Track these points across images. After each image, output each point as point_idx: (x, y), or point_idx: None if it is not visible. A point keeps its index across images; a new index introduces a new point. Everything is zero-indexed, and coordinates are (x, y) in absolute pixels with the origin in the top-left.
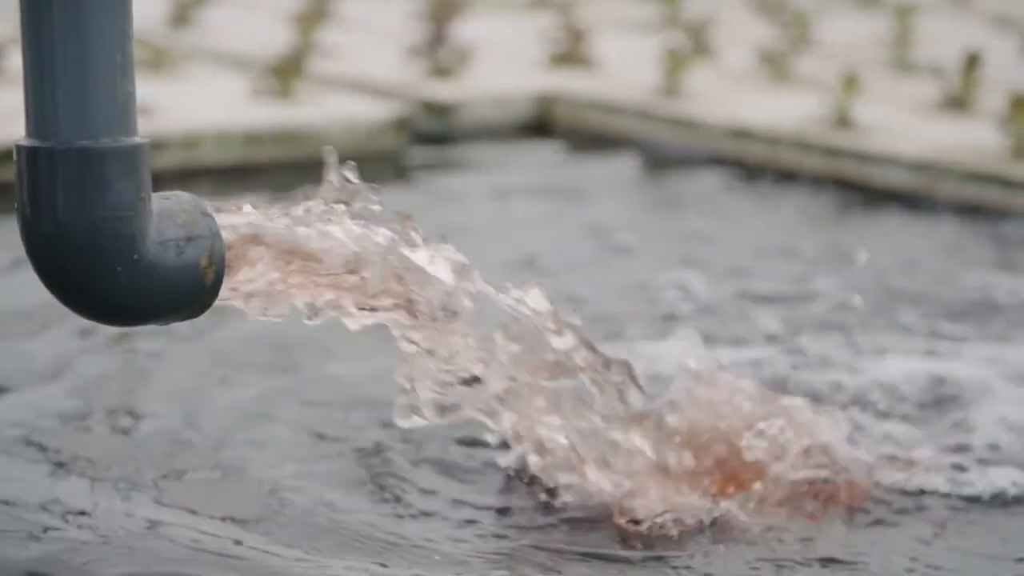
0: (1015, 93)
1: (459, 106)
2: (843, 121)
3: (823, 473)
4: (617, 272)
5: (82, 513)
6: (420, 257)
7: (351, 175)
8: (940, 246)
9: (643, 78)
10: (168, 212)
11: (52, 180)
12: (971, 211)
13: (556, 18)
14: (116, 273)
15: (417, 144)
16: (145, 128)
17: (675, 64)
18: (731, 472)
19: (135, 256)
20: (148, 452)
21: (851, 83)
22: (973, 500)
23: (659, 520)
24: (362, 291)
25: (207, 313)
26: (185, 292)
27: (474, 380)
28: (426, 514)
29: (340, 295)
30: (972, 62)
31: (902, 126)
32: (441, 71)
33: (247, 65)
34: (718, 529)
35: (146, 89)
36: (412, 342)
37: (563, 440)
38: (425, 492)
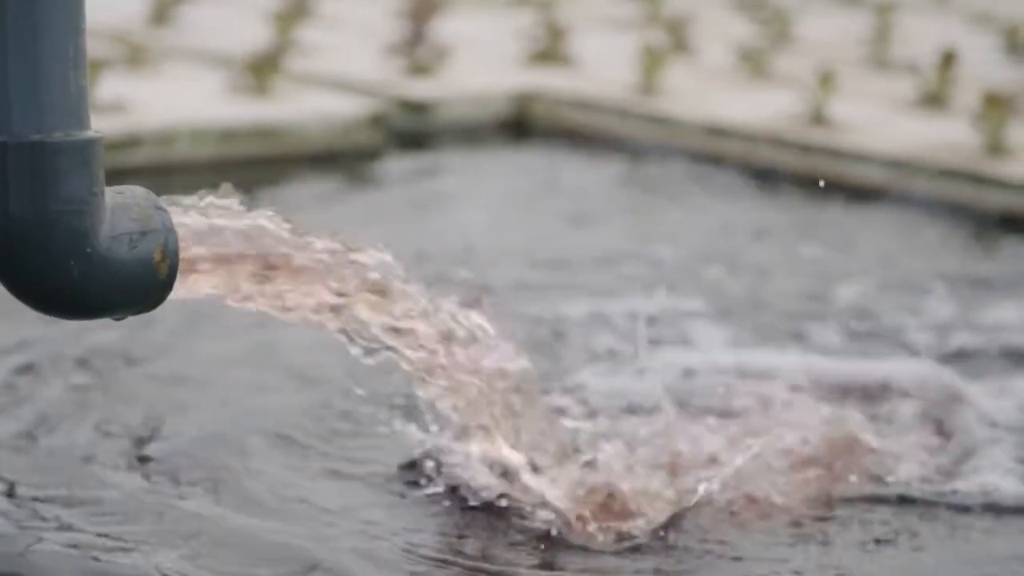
0: (989, 91)
1: (437, 104)
2: (819, 118)
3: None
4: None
5: None
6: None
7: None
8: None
9: (622, 76)
10: (122, 206)
11: (4, 174)
12: (945, 207)
13: (536, 16)
14: (69, 267)
15: (394, 141)
16: (120, 125)
17: (653, 62)
18: None
19: (88, 250)
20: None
21: (827, 80)
22: None
23: None
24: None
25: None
26: (139, 286)
27: None
28: None
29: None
30: (948, 60)
31: (878, 123)
32: (419, 69)
33: (226, 62)
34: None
35: (123, 86)
36: None
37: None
38: None
